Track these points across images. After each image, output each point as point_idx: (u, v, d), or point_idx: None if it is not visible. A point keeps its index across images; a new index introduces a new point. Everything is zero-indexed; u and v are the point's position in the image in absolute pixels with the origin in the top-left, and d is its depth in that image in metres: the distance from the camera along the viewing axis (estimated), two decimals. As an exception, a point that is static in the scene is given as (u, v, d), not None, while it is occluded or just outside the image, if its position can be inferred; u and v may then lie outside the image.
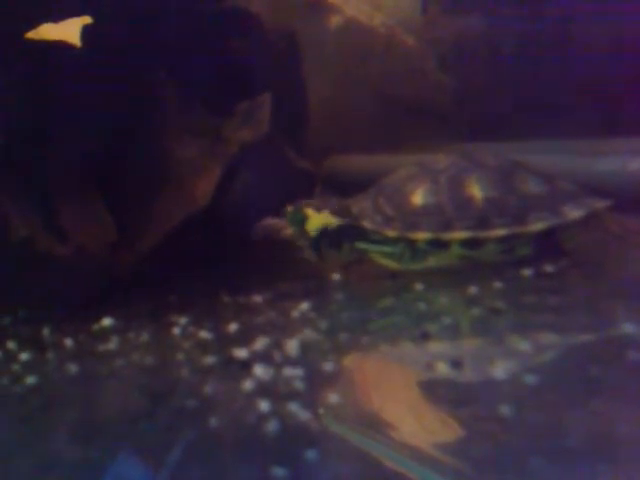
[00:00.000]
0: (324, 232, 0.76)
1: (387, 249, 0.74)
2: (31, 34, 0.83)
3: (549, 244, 0.72)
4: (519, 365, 0.50)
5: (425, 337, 0.58)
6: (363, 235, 0.75)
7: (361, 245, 0.76)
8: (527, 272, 0.68)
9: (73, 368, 0.60)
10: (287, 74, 1.02)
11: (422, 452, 0.41)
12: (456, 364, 0.50)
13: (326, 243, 0.76)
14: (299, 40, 1.05)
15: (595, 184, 0.77)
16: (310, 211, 0.75)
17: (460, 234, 0.70)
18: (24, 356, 0.64)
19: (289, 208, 0.76)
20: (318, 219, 0.75)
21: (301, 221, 0.76)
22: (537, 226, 0.70)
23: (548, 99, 1.10)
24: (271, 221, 0.80)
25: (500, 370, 0.49)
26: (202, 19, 0.91)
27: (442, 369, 0.50)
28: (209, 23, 0.91)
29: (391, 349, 0.60)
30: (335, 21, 1.30)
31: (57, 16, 0.83)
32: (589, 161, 0.86)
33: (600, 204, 0.71)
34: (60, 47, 0.86)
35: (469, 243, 0.71)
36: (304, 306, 0.67)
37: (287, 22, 1.08)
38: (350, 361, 0.58)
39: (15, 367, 0.62)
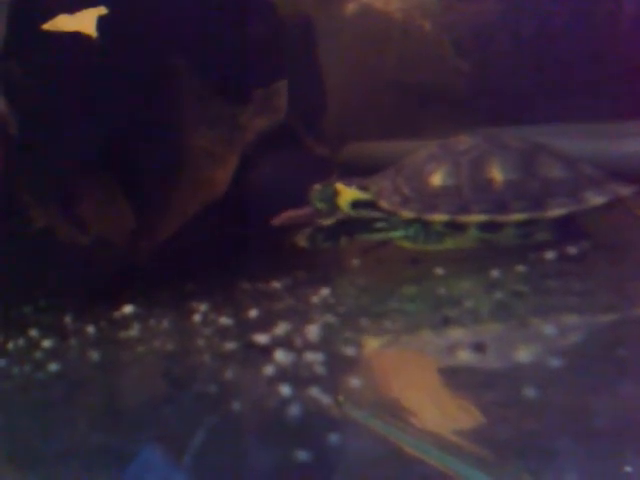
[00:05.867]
0: (321, 227, 0.75)
1: (398, 233, 0.74)
2: (47, 25, 0.83)
3: (571, 228, 0.71)
4: (543, 348, 0.50)
5: (447, 322, 0.57)
6: (366, 226, 0.75)
7: (366, 237, 0.76)
8: (550, 255, 0.67)
9: (95, 355, 0.61)
10: (303, 61, 1.01)
11: (443, 438, 0.40)
12: (478, 348, 0.50)
13: (320, 239, 0.76)
14: (315, 27, 1.05)
15: (621, 166, 0.75)
16: (340, 185, 0.74)
17: (477, 217, 0.70)
18: (46, 343, 0.65)
19: (316, 186, 0.75)
20: (349, 194, 0.74)
21: (331, 197, 0.75)
22: (557, 212, 0.69)
23: (571, 81, 1.08)
24: (294, 212, 0.79)
25: (524, 354, 0.48)
26: (217, 6, 0.91)
27: (464, 354, 0.50)
28: (224, 10, 0.91)
29: (412, 334, 0.59)
30: (351, 7, 1.29)
31: (73, 7, 0.83)
32: (614, 143, 0.85)
33: (624, 190, 0.70)
34: (76, 38, 0.86)
35: (487, 226, 0.70)
36: (324, 292, 0.66)
37: (302, 9, 1.07)
38: (370, 346, 0.57)
39: (37, 354, 0.63)
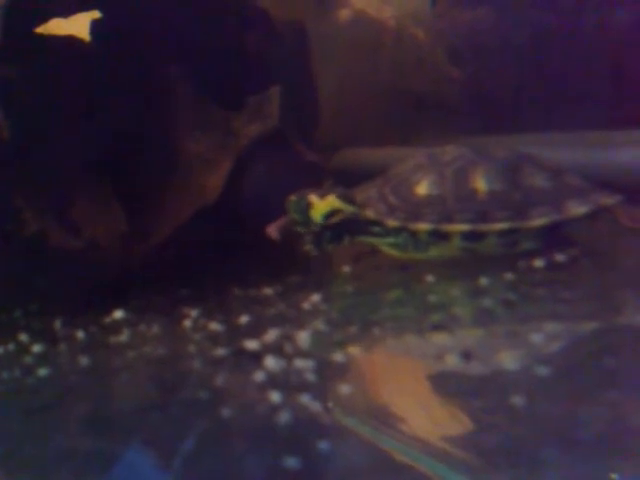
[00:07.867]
0: (326, 225, 0.76)
1: (390, 240, 0.74)
2: (40, 29, 0.83)
3: (559, 237, 0.71)
4: (530, 356, 0.50)
5: (435, 329, 0.58)
6: (364, 229, 0.75)
7: (363, 239, 0.76)
8: (539, 263, 0.67)
9: (85, 360, 0.61)
10: (296, 68, 1.02)
11: (432, 445, 0.41)
12: (467, 356, 0.50)
13: (327, 237, 0.76)
14: (308, 34, 1.05)
15: (613, 176, 0.76)
16: (314, 198, 0.75)
17: (459, 227, 0.70)
18: (36, 348, 0.65)
19: (292, 197, 0.75)
20: (322, 206, 0.75)
21: (304, 209, 0.75)
22: (538, 221, 0.69)
23: (563, 90, 1.09)
24: (283, 220, 0.80)
25: (511, 361, 0.49)
26: (211, 13, 0.91)
27: (452, 361, 0.50)
28: (218, 17, 0.91)
29: (401, 341, 0.59)
30: (344, 14, 1.29)
31: (66, 11, 0.84)
32: (606, 152, 0.85)
33: (608, 199, 0.71)
34: (70, 42, 0.86)
35: (469, 236, 0.71)
36: (315, 298, 0.67)
37: (296, 15, 1.08)
38: (360, 353, 0.58)
39: (27, 359, 0.63)
